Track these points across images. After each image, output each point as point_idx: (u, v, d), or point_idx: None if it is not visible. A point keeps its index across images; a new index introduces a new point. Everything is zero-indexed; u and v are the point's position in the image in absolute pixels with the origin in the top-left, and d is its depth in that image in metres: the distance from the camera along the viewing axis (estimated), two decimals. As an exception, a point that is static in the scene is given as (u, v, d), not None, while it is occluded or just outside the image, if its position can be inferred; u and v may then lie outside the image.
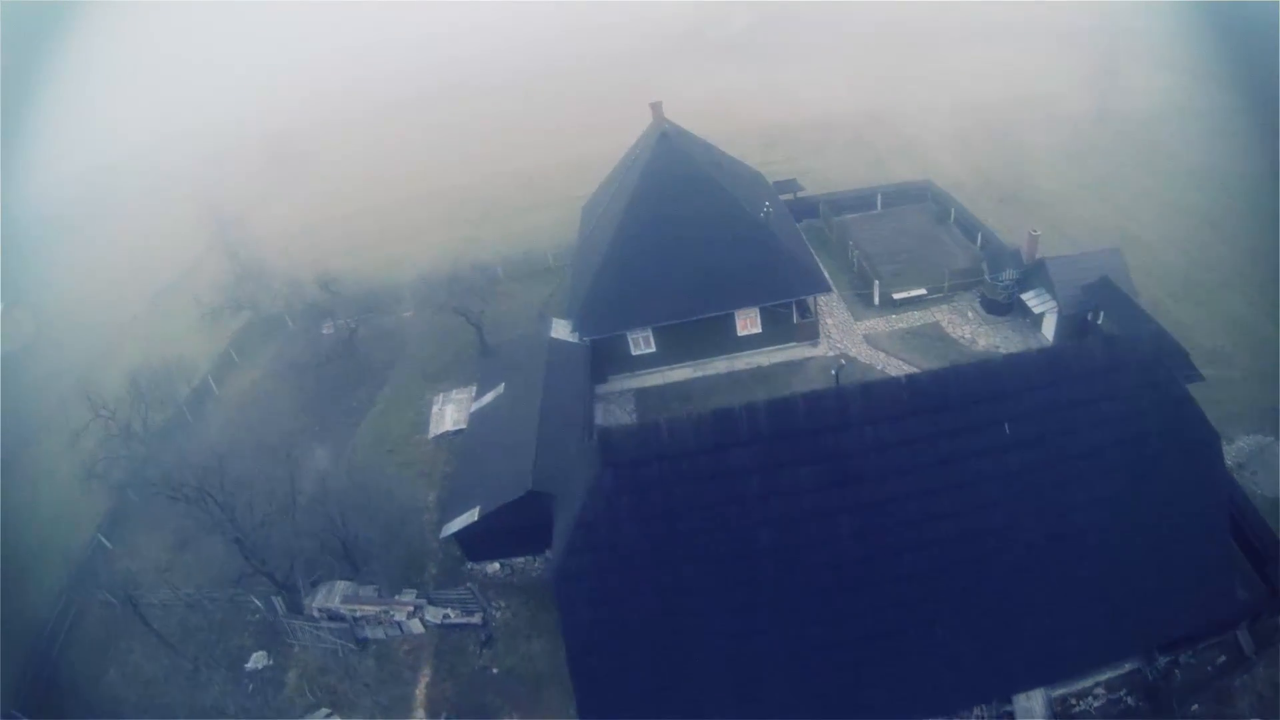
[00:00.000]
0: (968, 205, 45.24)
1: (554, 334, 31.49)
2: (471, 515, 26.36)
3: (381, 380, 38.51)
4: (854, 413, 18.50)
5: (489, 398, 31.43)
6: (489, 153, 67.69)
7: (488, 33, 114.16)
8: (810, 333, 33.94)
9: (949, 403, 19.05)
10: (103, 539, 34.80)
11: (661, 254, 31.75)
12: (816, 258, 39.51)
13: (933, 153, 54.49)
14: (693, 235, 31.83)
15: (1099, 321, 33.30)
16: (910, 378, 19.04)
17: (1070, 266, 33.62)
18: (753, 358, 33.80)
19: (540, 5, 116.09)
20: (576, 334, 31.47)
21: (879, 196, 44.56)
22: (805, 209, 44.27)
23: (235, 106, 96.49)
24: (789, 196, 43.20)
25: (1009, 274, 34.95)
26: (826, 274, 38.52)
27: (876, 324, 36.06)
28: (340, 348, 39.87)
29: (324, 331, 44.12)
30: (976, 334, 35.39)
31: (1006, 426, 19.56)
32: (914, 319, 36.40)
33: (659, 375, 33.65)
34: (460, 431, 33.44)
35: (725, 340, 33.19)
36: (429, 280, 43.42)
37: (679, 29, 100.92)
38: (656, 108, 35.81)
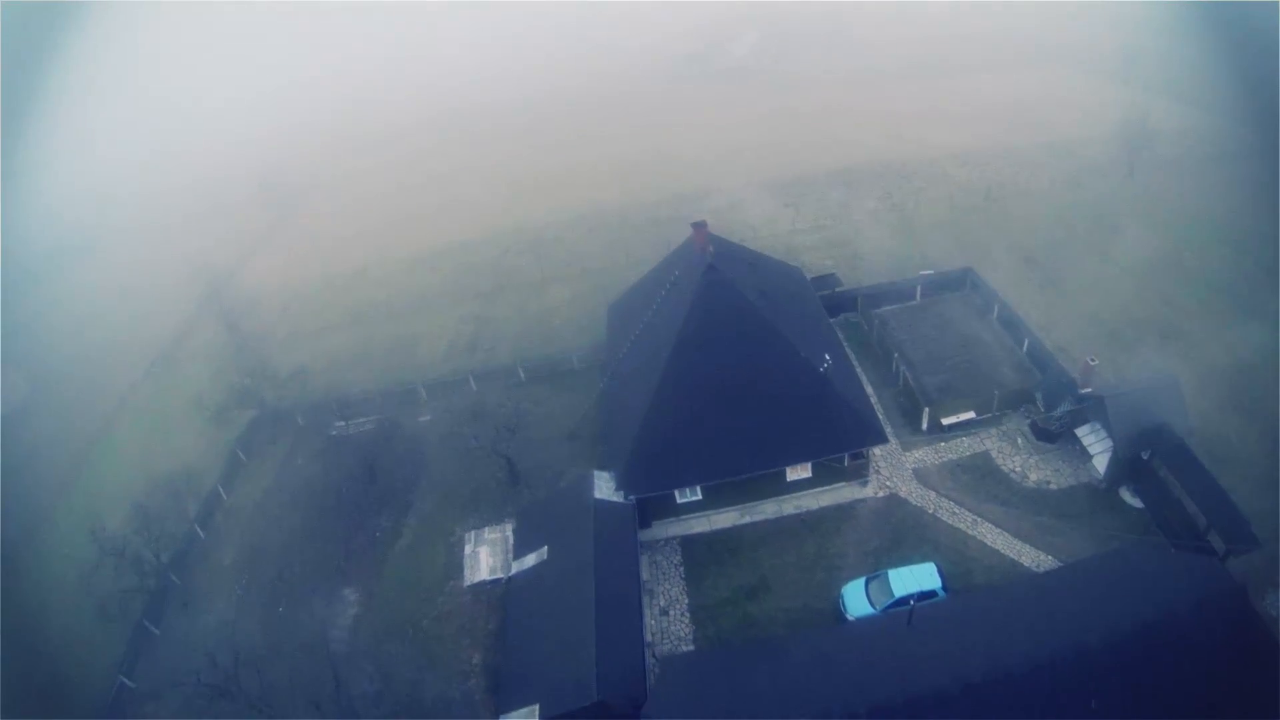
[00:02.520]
0: (1005, 285, 44.92)
1: (598, 494, 30.91)
2: (531, 713, 26.34)
3: (404, 504, 37.80)
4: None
5: (531, 560, 31.02)
6: (493, 199, 65.17)
7: (487, 65, 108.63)
8: (860, 471, 33.73)
9: (1045, 689, 19.23)
10: (125, 680, 34.34)
11: (709, 406, 31.19)
12: (858, 368, 39.25)
13: (963, 219, 53.45)
14: (744, 385, 31.25)
15: (1150, 461, 33.57)
16: (1011, 676, 19.00)
17: (1128, 404, 33.44)
18: (801, 500, 33.61)
19: (539, 34, 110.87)
20: (620, 493, 30.91)
21: (919, 288, 43.84)
22: (842, 301, 43.53)
23: (229, 136, 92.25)
24: (827, 292, 42.35)
25: (1065, 408, 34.85)
26: (870, 388, 38.40)
27: (925, 455, 35.96)
28: (360, 473, 38.78)
29: (332, 433, 43.16)
30: (1027, 466, 35.42)
31: (1093, 703, 19.84)
32: (963, 447, 36.34)
33: (705, 520, 33.39)
34: (498, 581, 33.24)
35: (773, 484, 32.86)
36: (446, 383, 42.43)
37: (683, 54, 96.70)
38: (700, 229, 34.31)
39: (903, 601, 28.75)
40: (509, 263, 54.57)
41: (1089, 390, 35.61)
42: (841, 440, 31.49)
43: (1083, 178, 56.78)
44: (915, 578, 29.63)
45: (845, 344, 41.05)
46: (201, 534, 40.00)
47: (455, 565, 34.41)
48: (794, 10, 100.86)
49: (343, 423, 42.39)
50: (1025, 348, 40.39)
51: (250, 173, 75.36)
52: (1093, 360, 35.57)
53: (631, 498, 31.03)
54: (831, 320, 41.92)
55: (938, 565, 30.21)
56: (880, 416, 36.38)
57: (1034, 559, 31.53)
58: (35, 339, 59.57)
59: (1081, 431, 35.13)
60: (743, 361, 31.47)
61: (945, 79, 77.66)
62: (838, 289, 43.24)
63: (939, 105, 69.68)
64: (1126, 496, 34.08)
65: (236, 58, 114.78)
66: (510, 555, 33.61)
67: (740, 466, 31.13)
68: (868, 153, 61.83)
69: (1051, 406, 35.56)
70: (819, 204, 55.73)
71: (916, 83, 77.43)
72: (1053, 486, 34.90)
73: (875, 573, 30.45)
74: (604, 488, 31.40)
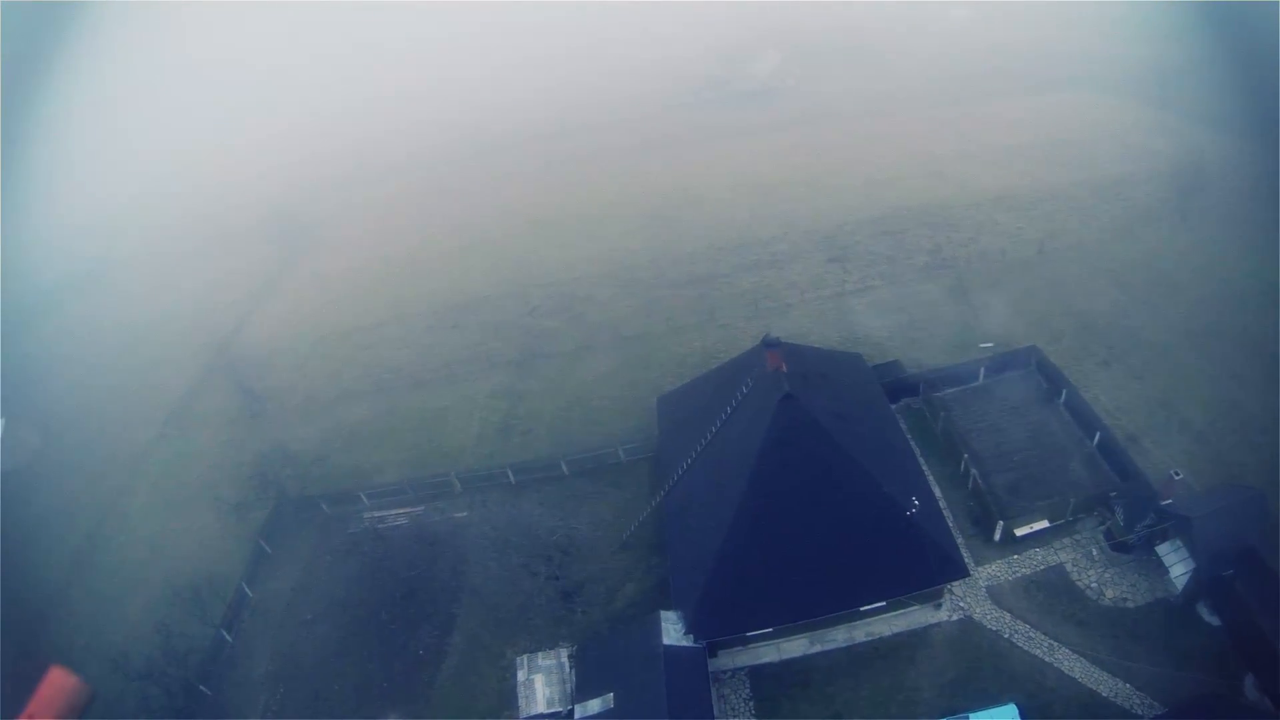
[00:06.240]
0: (1067, 361, 43.75)
1: (666, 639, 29.64)
2: None
3: (447, 620, 36.53)
4: None
5: (596, 705, 29.97)
6: (514, 242, 62.48)
7: (500, 90, 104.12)
8: (934, 595, 32.70)
9: None
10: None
11: (786, 546, 30.20)
12: (924, 464, 37.91)
13: (1017, 278, 51.74)
14: (823, 523, 30.29)
15: (1230, 578, 32.73)
16: None
17: (1214, 525, 32.50)
18: (873, 626, 32.72)
19: (553, 57, 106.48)
20: (690, 636, 29.71)
21: (981, 370, 42.42)
22: (904, 386, 42.45)
23: (236, 166, 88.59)
24: (890, 380, 41.05)
25: (1147, 524, 33.80)
26: (937, 489, 37.13)
27: (998, 570, 35.03)
28: (396, 581, 37.25)
29: (363, 526, 41.47)
30: (1103, 581, 34.55)
31: None
32: (1037, 560, 35.43)
33: (773, 649, 32.45)
34: (556, 715, 32.08)
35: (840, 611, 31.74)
36: (481, 475, 40.72)
37: (703, 76, 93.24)
38: (773, 349, 32.33)
39: (986, 748, 28.31)
40: (538, 325, 52.82)
41: (1170, 502, 34.69)
42: (922, 577, 30.59)
43: (1134, 225, 55.29)
44: (997, 722, 29.03)
45: (909, 434, 39.90)
46: (228, 638, 38.57)
47: (508, 693, 33.29)
48: (813, 27, 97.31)
49: (371, 516, 40.75)
50: (1096, 440, 39.29)
51: (258, 203, 72.35)
52: (1177, 474, 34.56)
53: (703, 642, 29.89)
54: (893, 405, 40.87)
55: (1018, 706, 29.49)
56: (950, 524, 35.41)
57: (1111, 688, 30.93)
58: (42, 385, 56.99)
59: (1163, 549, 34.21)
60: (822, 498, 30.44)
61: (977, 105, 75.88)
62: (900, 376, 41.73)
63: (976, 137, 67.82)
64: (1203, 613, 33.38)
65: (243, 85, 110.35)
66: (567, 685, 32.58)
67: (816, 607, 30.32)
68: (909, 196, 60.06)
69: (1132, 522, 34.56)
70: (866, 259, 54.22)
71: (949, 110, 75.66)
72: (1129, 604, 34.07)
73: (956, 715, 29.71)
74: (672, 631, 30.25)
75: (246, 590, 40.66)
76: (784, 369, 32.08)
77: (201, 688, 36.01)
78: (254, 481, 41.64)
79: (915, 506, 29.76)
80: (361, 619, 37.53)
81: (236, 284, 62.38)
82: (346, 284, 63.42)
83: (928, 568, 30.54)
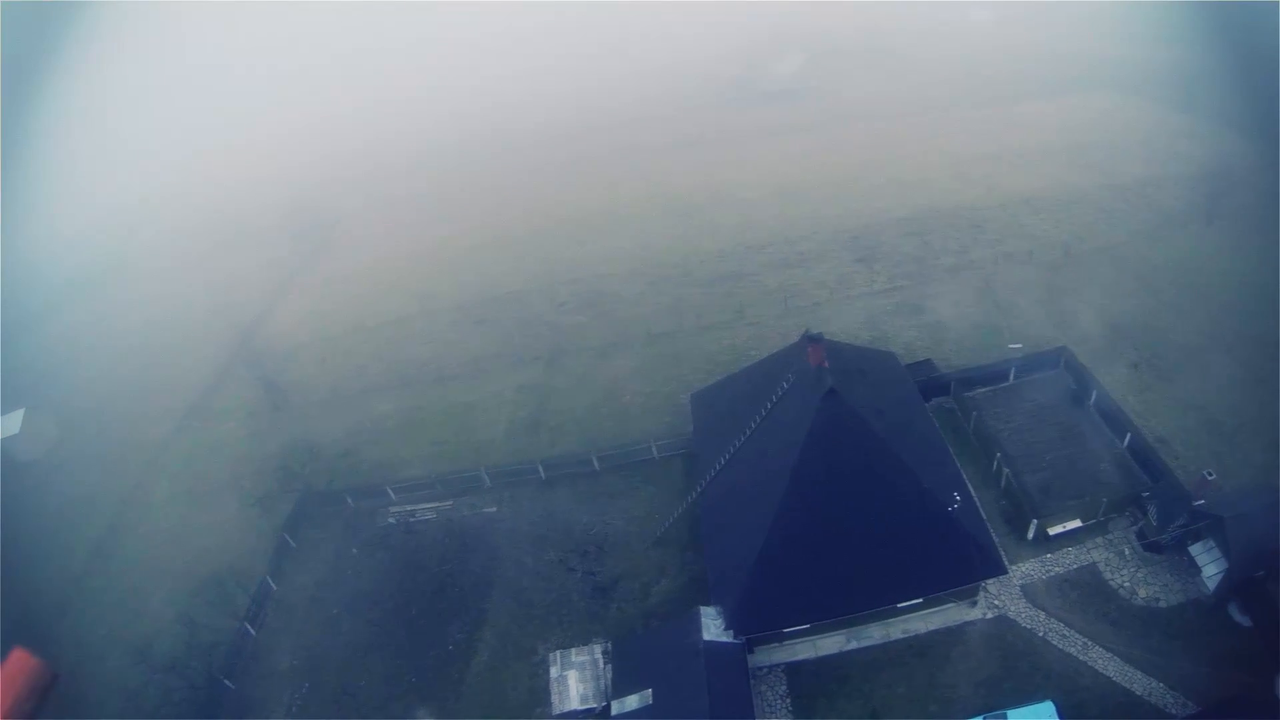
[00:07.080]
0: (1095, 363, 44.22)
1: (706, 635, 30.06)
2: None
3: (477, 613, 36.94)
4: None
5: (634, 701, 30.35)
6: (539, 239, 62.79)
7: (525, 88, 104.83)
8: (970, 592, 33.22)
9: None
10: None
11: (827, 542, 30.67)
12: (958, 464, 38.41)
13: (1045, 280, 52.10)
14: (864, 519, 30.76)
15: (1263, 579, 33.31)
16: None
17: (1247, 525, 33.10)
18: (909, 623, 33.21)
19: (576, 55, 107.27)
20: (730, 632, 30.17)
21: (1012, 370, 43.02)
22: (935, 385, 43.07)
23: (257, 163, 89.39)
24: (923, 379, 41.71)
25: (1180, 524, 34.36)
26: (971, 489, 37.61)
27: (1032, 569, 35.56)
28: (425, 576, 37.63)
29: (390, 520, 41.83)
30: (1135, 580, 35.10)
31: None
32: (1070, 559, 35.96)
33: (810, 646, 32.92)
34: (591, 712, 32.45)
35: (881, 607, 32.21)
36: (511, 470, 41.08)
37: (726, 78, 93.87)
38: (816, 346, 32.75)
39: (1023, 744, 28.80)
40: (565, 321, 53.30)
41: (1202, 503, 35.25)
42: (962, 573, 31.12)
43: (1160, 228, 55.89)
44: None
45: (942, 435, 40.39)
46: (252, 631, 38.88)
47: (541, 689, 33.67)
48: (835, 29, 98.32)
49: (399, 511, 41.10)
50: (1127, 442, 39.85)
51: (281, 200, 72.98)
52: (1210, 474, 35.08)
53: (742, 638, 30.35)
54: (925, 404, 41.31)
55: (1055, 705, 30.01)
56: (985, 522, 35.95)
57: (1145, 687, 31.45)
58: (62, 377, 57.39)
59: (1195, 549, 34.77)
60: (864, 494, 30.98)
61: (1000, 106, 76.68)
62: (932, 375, 42.32)
63: (999, 139, 68.42)
64: (1235, 614, 33.98)
65: (264, 83, 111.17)
66: (601, 681, 32.96)
67: (856, 603, 30.84)
68: (935, 197, 60.73)
69: (1165, 522, 35.11)
70: (892, 260, 54.85)
71: (971, 111, 76.59)
72: (1162, 604, 34.62)
73: (994, 713, 30.20)
74: (712, 627, 30.65)
75: (271, 584, 41.05)
76: (826, 364, 32.62)
77: (225, 681, 36.40)
78: (278, 475, 42.08)
79: (957, 502, 30.34)
80: (389, 613, 37.89)
81: (259, 279, 63.35)
82: (370, 279, 64.17)
83: (968, 565, 31.03)
